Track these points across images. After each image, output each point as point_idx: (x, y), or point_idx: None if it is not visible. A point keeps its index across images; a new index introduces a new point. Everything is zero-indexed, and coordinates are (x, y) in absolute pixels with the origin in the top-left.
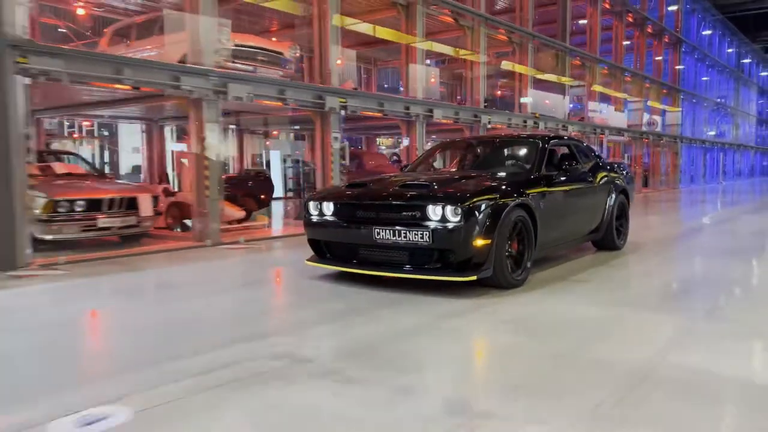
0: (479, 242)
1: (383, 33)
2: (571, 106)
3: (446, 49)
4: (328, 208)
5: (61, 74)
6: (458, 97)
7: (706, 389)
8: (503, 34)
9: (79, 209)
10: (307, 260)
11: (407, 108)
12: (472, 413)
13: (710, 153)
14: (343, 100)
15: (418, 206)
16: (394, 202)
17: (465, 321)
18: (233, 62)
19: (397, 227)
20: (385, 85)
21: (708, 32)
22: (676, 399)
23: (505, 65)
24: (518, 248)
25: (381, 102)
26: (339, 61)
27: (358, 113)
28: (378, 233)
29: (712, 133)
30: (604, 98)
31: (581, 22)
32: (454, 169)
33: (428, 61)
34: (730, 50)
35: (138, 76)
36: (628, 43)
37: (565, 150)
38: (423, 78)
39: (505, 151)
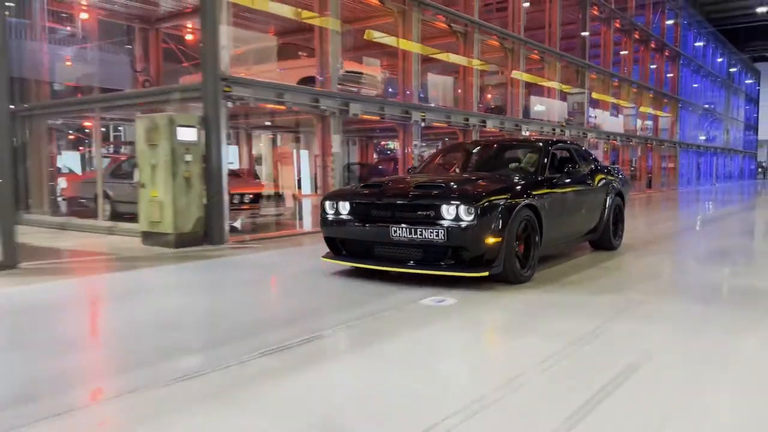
0: (491, 240)
1: (452, 57)
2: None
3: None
4: (344, 207)
5: (249, 99)
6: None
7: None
8: (536, 54)
9: (246, 200)
10: (323, 257)
11: (466, 119)
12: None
13: (704, 157)
14: (423, 114)
15: (432, 206)
16: (409, 202)
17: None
18: (345, 85)
19: (413, 225)
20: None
21: (701, 44)
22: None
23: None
24: (525, 246)
25: (448, 114)
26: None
27: (429, 124)
28: (394, 231)
29: (704, 137)
30: (603, 105)
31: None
32: (461, 171)
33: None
34: (720, 59)
35: (293, 98)
36: (625, 52)
37: (565, 153)
38: (477, 93)
39: (511, 154)
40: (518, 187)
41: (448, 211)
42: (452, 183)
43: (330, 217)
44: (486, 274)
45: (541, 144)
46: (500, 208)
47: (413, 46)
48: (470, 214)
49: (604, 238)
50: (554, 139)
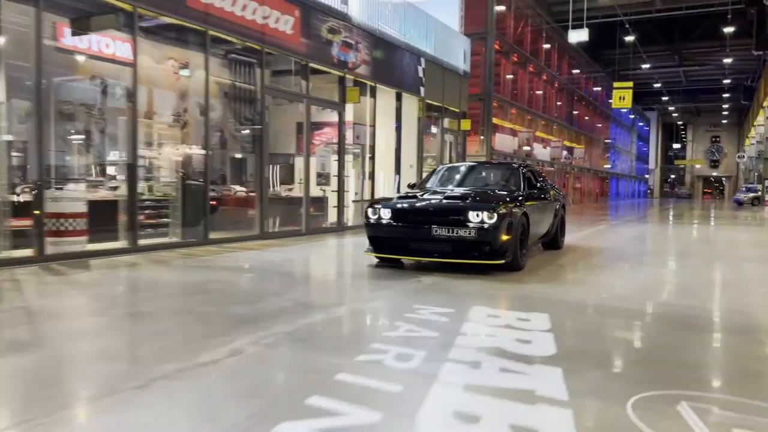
0: (505, 237)
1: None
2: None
3: None
4: (386, 213)
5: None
6: None
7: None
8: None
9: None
10: (366, 251)
11: None
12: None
13: (612, 180)
14: None
15: (462, 212)
16: (443, 209)
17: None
18: None
19: (449, 226)
20: None
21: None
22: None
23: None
24: (520, 242)
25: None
26: None
27: None
28: (435, 230)
29: (608, 166)
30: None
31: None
32: (455, 186)
33: None
34: (632, 116)
35: None
36: (559, 103)
37: (529, 174)
38: None
39: (493, 174)
40: (519, 199)
41: (474, 216)
42: (469, 196)
43: (372, 221)
44: (503, 262)
45: (516, 166)
46: (510, 214)
47: None
48: (492, 218)
49: (554, 239)
50: (522, 163)
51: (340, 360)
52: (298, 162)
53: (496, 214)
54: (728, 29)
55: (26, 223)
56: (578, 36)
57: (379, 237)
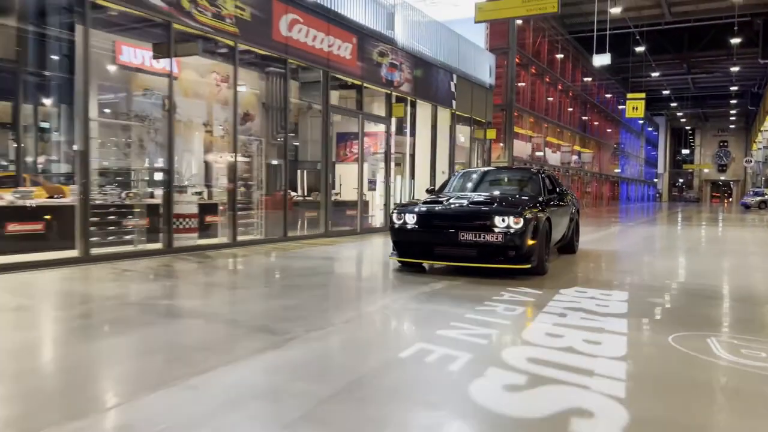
0: (530, 242)
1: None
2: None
3: None
4: (412, 218)
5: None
6: None
7: None
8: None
9: None
10: (390, 255)
11: None
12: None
13: (622, 184)
14: None
15: (488, 217)
16: (470, 214)
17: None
18: None
19: (476, 231)
20: None
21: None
22: None
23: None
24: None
25: None
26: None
27: None
28: (462, 235)
29: (618, 170)
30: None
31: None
32: (475, 190)
33: None
34: (641, 122)
35: None
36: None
37: (547, 179)
38: None
39: (513, 179)
40: (542, 204)
41: (501, 221)
42: (497, 200)
43: (397, 225)
44: (529, 266)
45: (535, 171)
46: (536, 219)
47: None
48: (518, 223)
49: (570, 243)
50: (540, 168)
51: (462, 311)
52: (338, 169)
53: (522, 219)
54: (735, 40)
55: (157, 222)
56: (601, 60)
57: (404, 242)
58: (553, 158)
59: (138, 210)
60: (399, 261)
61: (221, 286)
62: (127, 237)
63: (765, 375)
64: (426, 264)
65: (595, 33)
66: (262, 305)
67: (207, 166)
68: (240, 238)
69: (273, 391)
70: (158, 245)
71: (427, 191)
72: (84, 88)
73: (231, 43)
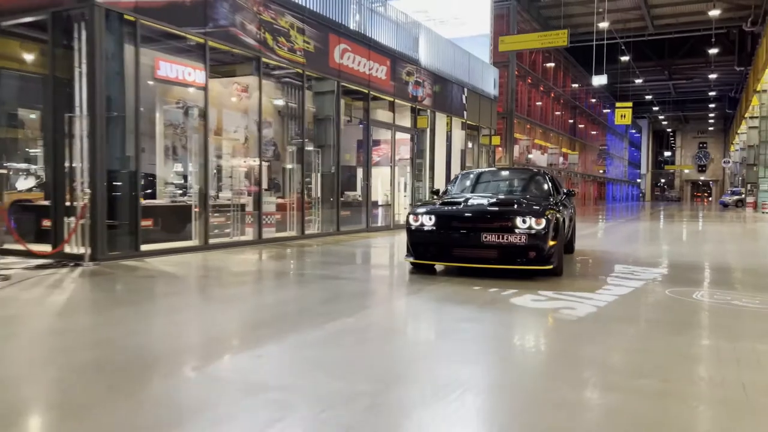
0: (551, 242)
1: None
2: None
3: None
4: (429, 219)
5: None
6: None
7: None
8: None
9: None
10: (405, 257)
11: None
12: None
13: (607, 184)
14: None
15: (509, 218)
16: (491, 215)
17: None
18: None
19: (497, 232)
20: None
21: (608, 110)
22: None
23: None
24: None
25: None
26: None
27: None
28: (485, 237)
29: (602, 171)
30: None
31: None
32: (482, 191)
33: None
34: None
35: None
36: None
37: (552, 180)
38: None
39: (520, 180)
40: (558, 204)
41: (522, 222)
42: (516, 201)
43: (413, 227)
44: (551, 267)
45: (542, 173)
46: (556, 220)
47: None
48: (540, 224)
49: (569, 243)
50: (543, 169)
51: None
52: (359, 173)
53: (544, 220)
54: (713, 50)
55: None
56: (599, 80)
57: (422, 243)
58: (541, 159)
59: (233, 208)
60: (412, 263)
61: (332, 264)
62: (227, 230)
63: (727, 308)
64: (438, 266)
65: (594, 43)
66: (374, 272)
67: (284, 172)
68: (306, 232)
69: (432, 310)
70: (249, 237)
71: (433, 192)
72: (205, 123)
73: (300, 71)
